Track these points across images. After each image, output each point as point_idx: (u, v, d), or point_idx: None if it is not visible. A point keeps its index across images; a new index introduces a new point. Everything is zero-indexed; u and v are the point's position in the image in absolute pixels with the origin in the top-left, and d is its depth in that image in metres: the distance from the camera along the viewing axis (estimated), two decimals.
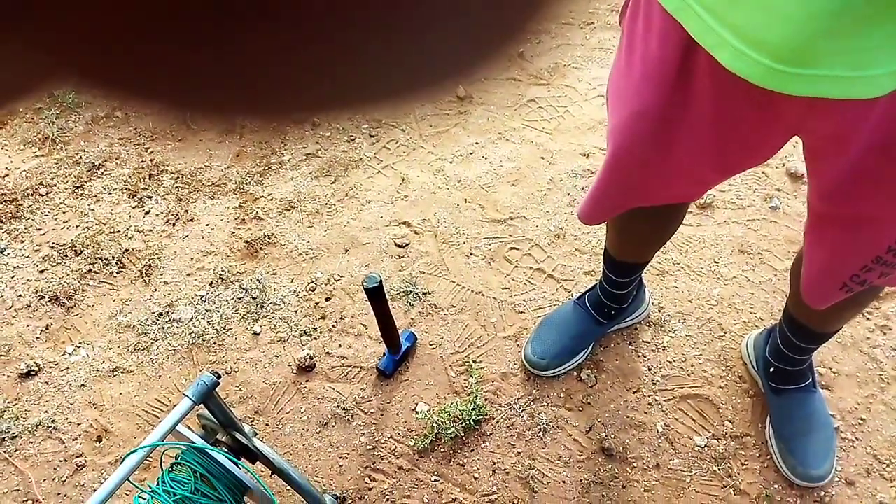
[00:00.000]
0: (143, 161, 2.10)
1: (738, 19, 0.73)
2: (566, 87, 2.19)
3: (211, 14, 0.13)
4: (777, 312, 1.62)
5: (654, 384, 1.54)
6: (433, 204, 1.93)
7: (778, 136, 0.91)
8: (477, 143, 2.07)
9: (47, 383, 1.64)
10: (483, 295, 1.73)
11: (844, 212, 0.92)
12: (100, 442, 1.54)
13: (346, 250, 1.85)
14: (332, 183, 2.01)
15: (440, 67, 0.17)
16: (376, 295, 1.37)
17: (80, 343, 1.71)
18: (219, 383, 1.13)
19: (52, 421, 1.57)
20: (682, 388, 1.53)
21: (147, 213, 1.97)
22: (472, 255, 1.81)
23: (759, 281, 1.70)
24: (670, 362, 1.57)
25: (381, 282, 1.36)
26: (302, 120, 0.18)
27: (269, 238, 1.89)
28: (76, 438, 1.54)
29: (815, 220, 1.00)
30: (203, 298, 1.77)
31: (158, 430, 1.06)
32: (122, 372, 1.65)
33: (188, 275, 1.83)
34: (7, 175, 2.08)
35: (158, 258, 1.87)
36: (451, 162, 2.03)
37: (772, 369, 1.43)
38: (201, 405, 1.14)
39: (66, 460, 1.51)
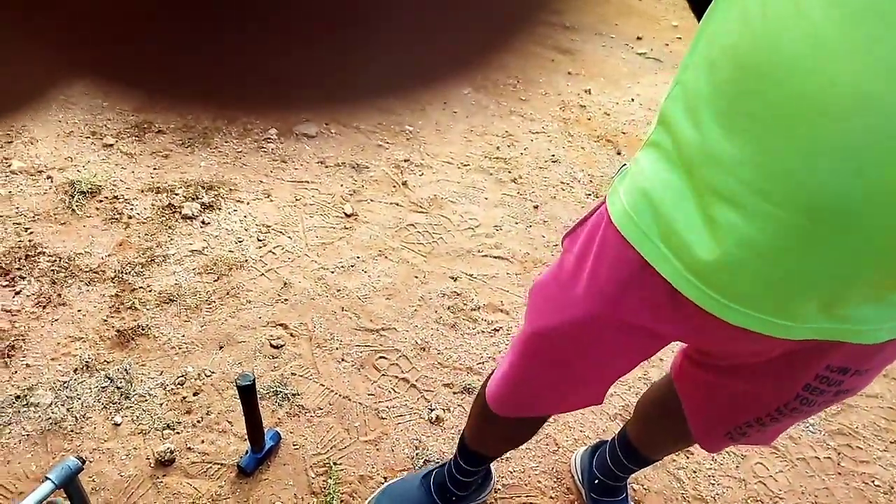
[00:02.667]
0: (20, 240, 2.09)
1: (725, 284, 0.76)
2: (442, 217, 2.46)
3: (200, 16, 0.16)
4: (602, 432, 1.87)
5: (496, 492, 1.70)
6: (311, 309, 2.06)
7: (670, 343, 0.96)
8: (358, 257, 2.26)
9: None
10: (350, 399, 1.85)
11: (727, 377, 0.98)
12: None
13: (221, 347, 1.92)
14: (215, 280, 2.09)
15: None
16: (248, 393, 1.47)
17: None
18: (83, 468, 1.17)
19: None
20: (519, 496, 1.71)
21: (17, 293, 1.95)
22: (343, 360, 1.94)
23: None
24: (511, 472, 1.75)
25: (254, 381, 1.46)
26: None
27: (143, 329, 1.92)
28: None
29: (689, 365, 1.06)
30: (65, 385, 1.76)
31: None
32: None
33: (52, 359, 1.81)
34: None
35: (23, 340, 1.84)
36: (332, 272, 2.19)
37: (596, 481, 1.65)
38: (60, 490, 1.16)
39: None
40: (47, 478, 1.12)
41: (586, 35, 3.69)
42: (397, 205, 2.49)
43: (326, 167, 2.61)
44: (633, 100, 3.22)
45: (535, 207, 2.53)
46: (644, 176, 0.81)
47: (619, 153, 2.85)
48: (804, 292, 0.72)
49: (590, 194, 2.62)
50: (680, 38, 3.77)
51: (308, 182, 2.53)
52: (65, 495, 1.19)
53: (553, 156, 2.81)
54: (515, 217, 2.49)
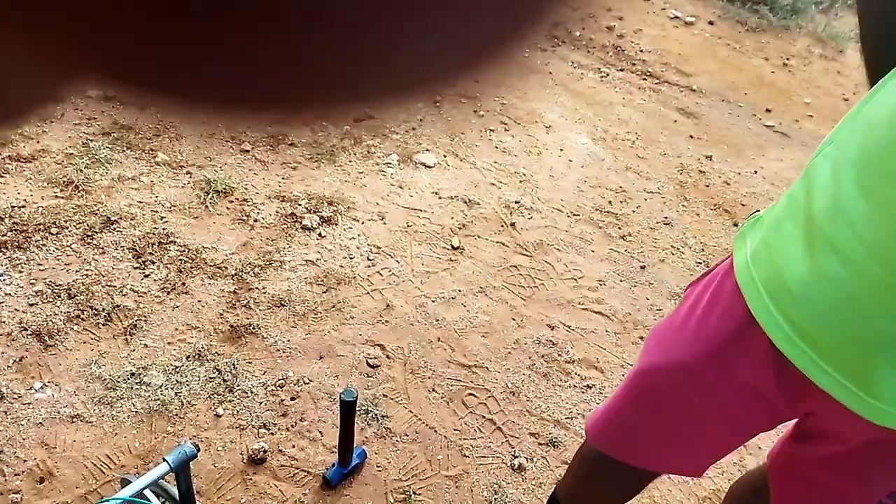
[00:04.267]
0: (155, 227, 2.25)
1: (814, 333, 0.78)
2: (546, 263, 2.46)
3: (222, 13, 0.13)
4: None
5: None
6: (409, 335, 2.10)
7: (776, 421, 0.96)
8: (460, 290, 2.29)
9: (5, 413, 1.67)
10: (436, 431, 1.87)
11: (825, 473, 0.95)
12: (41, 483, 1.56)
13: (321, 357, 1.99)
14: (324, 292, 2.18)
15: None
16: (349, 408, 1.51)
17: (48, 382, 1.76)
18: (197, 456, 1.23)
19: (0, 451, 1.59)
20: None
21: (146, 276, 2.10)
22: (433, 390, 1.97)
23: None
24: None
25: (356, 397, 1.50)
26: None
27: (254, 328, 2.02)
28: (18, 474, 1.57)
29: (786, 452, 1.04)
30: (177, 369, 1.87)
31: (133, 487, 1.15)
32: (81, 420, 1.70)
33: (169, 343, 1.93)
34: (24, 207, 2.20)
35: (145, 321, 1.97)
36: (433, 301, 2.23)
37: None
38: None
39: (1, 493, 1.53)
40: (165, 460, 1.20)
41: (713, 100, 3.62)
42: (503, 244, 2.51)
43: (440, 198, 2.67)
44: (756, 172, 3.12)
45: (642, 267, 2.49)
46: (769, 226, 0.84)
47: (735, 224, 2.76)
48: (889, 362, 0.72)
49: (700, 262, 2.55)
50: (811, 115, 3.64)
51: (421, 210, 2.60)
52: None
53: (666, 218, 2.77)
54: (621, 274, 2.45)
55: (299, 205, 2.49)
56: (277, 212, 2.45)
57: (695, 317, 0.93)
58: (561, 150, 3.10)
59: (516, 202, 2.73)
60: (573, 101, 3.50)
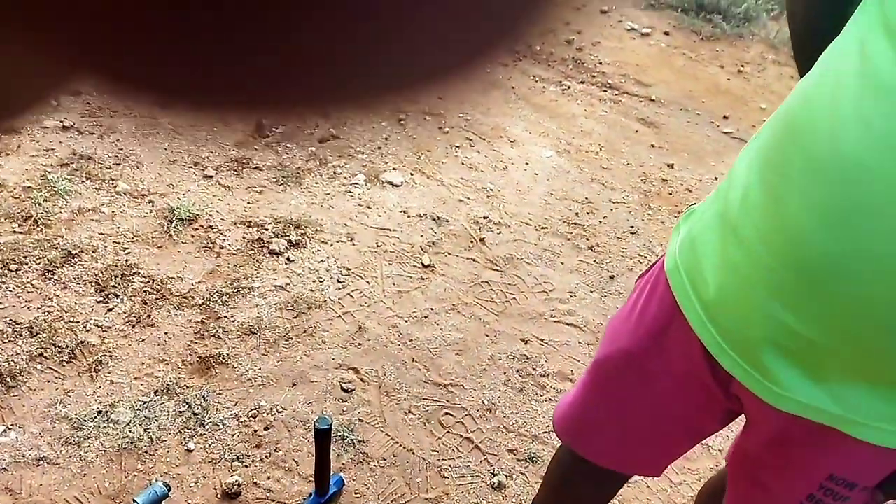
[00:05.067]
0: (118, 259, 2.21)
1: (722, 320, 0.82)
2: (517, 277, 2.47)
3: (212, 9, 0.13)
4: None
5: None
6: (383, 356, 2.09)
7: (719, 412, 0.98)
8: (432, 309, 2.29)
9: None
10: (413, 453, 1.85)
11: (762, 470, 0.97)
12: None
13: (294, 384, 1.96)
14: (295, 318, 2.15)
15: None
16: (324, 437, 1.49)
17: (11, 424, 1.71)
18: (168, 496, 1.20)
19: None
20: None
21: (110, 310, 2.05)
22: (410, 412, 1.95)
23: None
24: None
25: (331, 425, 1.48)
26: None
27: (223, 358, 1.98)
28: None
29: (737, 451, 1.06)
30: (145, 405, 1.82)
31: None
32: (47, 463, 1.65)
33: (136, 378, 1.89)
34: None
35: (110, 356, 1.92)
36: (406, 321, 2.22)
37: None
38: None
39: None
40: (135, 501, 1.16)
41: (672, 109, 3.70)
42: (473, 261, 2.52)
43: (408, 217, 2.67)
44: (716, 178, 3.19)
45: (611, 278, 2.51)
46: (697, 217, 0.90)
47: None
48: (779, 346, 0.76)
49: None
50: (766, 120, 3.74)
51: (390, 230, 2.59)
52: None
53: (632, 227, 2.80)
54: (590, 285, 2.48)
55: (266, 229, 2.46)
56: (244, 237, 2.42)
57: (638, 306, 0.98)
58: (526, 163, 3.13)
59: (485, 217, 2.74)
60: (536, 115, 3.54)
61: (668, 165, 3.21)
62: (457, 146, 3.17)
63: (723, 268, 0.80)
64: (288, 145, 2.94)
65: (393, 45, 0.15)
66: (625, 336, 0.99)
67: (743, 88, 4.02)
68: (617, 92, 3.81)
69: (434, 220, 2.68)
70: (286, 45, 0.15)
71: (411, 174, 2.92)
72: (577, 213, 2.82)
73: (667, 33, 4.48)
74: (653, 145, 3.35)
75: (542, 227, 2.72)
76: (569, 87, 3.79)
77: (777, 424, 0.86)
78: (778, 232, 0.73)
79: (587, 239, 2.70)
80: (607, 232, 2.75)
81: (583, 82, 3.88)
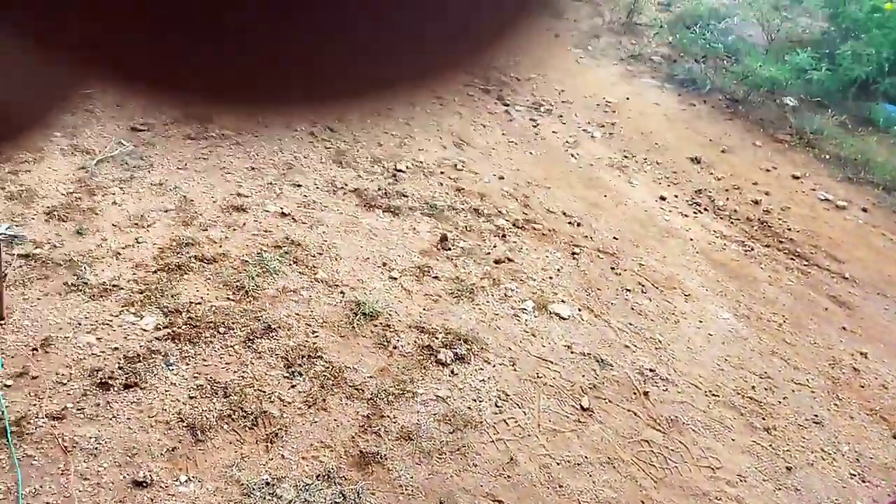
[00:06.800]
0: (307, 340, 2.41)
1: None
2: (680, 444, 2.36)
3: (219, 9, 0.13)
4: None
5: None
6: (531, 497, 2.06)
7: None
8: (586, 457, 2.24)
9: (151, 500, 1.78)
10: None
11: None
12: None
13: (441, 503, 1.98)
14: (451, 433, 2.20)
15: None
16: None
17: (193, 476, 1.87)
18: None
19: None
20: None
21: (293, 386, 2.22)
22: None
23: None
24: None
25: None
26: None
27: (381, 458, 2.06)
28: None
29: None
30: (307, 487, 1.92)
31: None
32: None
33: (303, 458, 2.01)
34: (200, 304, 2.44)
35: (286, 431, 2.07)
36: (558, 463, 2.19)
37: None
38: None
39: None
40: None
41: (868, 291, 3.45)
42: (635, 414, 2.45)
43: (572, 353, 2.67)
44: None
45: (789, 469, 2.32)
46: None
47: (895, 436, 2.54)
48: None
49: (855, 474, 2.34)
50: None
51: (552, 362, 2.60)
52: None
53: (816, 416, 2.59)
54: (764, 473, 2.29)
55: (436, 338, 2.58)
56: (416, 342, 2.54)
57: None
58: (700, 321, 3.04)
59: (651, 370, 2.67)
60: (715, 272, 3.46)
61: (861, 354, 2.96)
62: (628, 289, 3.16)
63: None
64: (467, 261, 3.10)
65: None
66: None
67: None
68: (806, 263, 3.64)
69: (598, 361, 2.66)
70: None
71: (579, 310, 2.94)
72: (753, 387, 2.67)
73: (865, 210, 4.26)
74: (844, 328, 3.13)
75: (713, 395, 2.60)
76: (752, 249, 3.69)
77: None
78: None
79: (763, 418, 2.53)
80: (787, 415, 2.57)
81: (768, 246, 3.76)
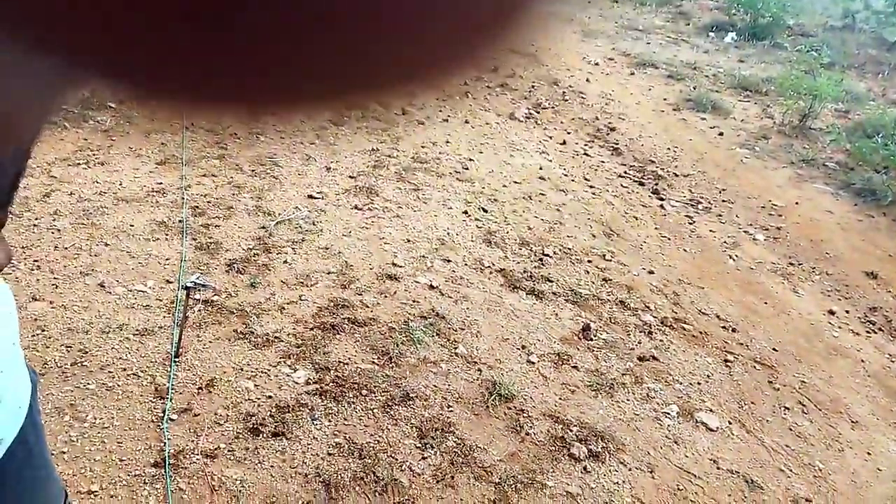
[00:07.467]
0: (441, 413, 2.45)
1: None
2: None
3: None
4: None
5: None
6: None
7: None
8: None
9: None
10: None
11: None
12: None
13: None
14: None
15: None
16: None
17: None
18: None
19: None
20: None
21: (424, 458, 2.25)
22: None
23: None
24: None
25: None
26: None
27: None
28: None
29: None
30: None
31: None
32: None
33: None
34: (347, 364, 2.58)
35: (412, 503, 2.09)
36: None
37: None
38: None
39: None
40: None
41: None
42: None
43: (718, 469, 2.48)
44: None
45: None
46: None
47: None
48: None
49: None
50: None
51: (695, 476, 2.43)
52: None
53: None
54: None
55: (571, 430, 2.51)
56: (549, 431, 2.49)
57: None
58: (868, 453, 2.71)
59: (807, 500, 2.40)
60: (888, 400, 3.09)
61: None
62: (786, 407, 2.90)
63: None
64: (608, 354, 3.02)
65: None
66: None
67: None
68: None
69: (747, 482, 2.44)
70: None
71: (729, 423, 2.74)
72: None
73: None
74: None
75: None
76: None
77: None
78: None
79: None
80: None
81: None
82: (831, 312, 3.79)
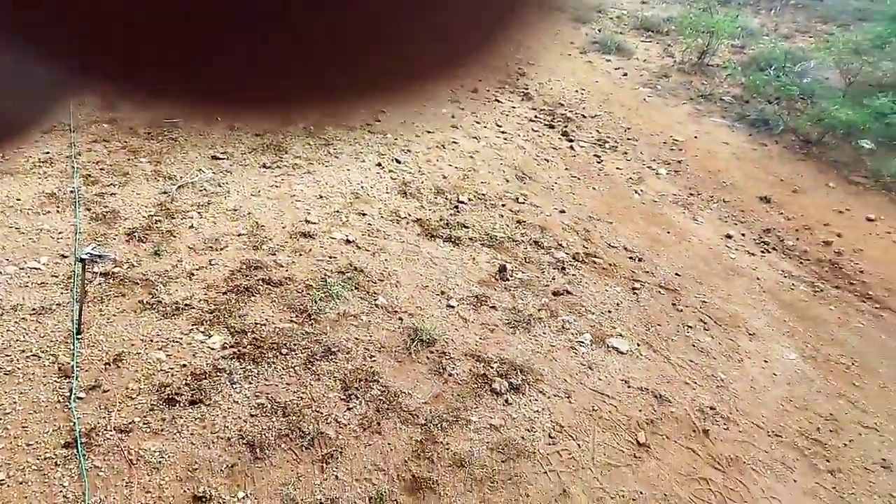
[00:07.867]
0: (364, 364, 2.47)
1: None
2: (740, 484, 2.27)
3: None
4: None
5: None
6: None
7: None
8: (641, 493, 2.19)
9: None
10: None
11: None
12: None
13: None
14: (503, 462, 2.19)
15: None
16: None
17: (250, 493, 1.93)
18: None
19: None
20: None
21: (350, 409, 2.27)
22: None
23: None
24: None
25: None
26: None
27: (432, 483, 2.07)
28: None
29: None
30: None
31: None
32: None
33: (356, 480, 2.04)
34: (265, 325, 2.54)
35: (340, 453, 2.11)
36: (612, 498, 2.15)
37: None
38: None
39: None
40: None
41: None
42: (693, 452, 2.38)
43: (629, 387, 2.63)
44: None
45: None
46: None
47: None
48: None
49: None
50: None
51: (608, 396, 2.57)
52: None
53: (884, 460, 2.46)
54: None
55: (491, 367, 2.59)
56: (471, 370, 2.56)
57: None
58: (765, 361, 2.94)
59: (711, 408, 2.60)
60: (782, 312, 3.35)
61: None
62: (689, 326, 3.10)
63: None
64: (525, 292, 3.12)
65: None
66: None
67: None
68: (878, 305, 3.48)
69: (656, 397, 2.60)
70: None
71: (638, 345, 2.90)
72: (818, 429, 2.55)
73: None
74: None
75: (776, 435, 2.50)
76: (822, 290, 3.56)
77: None
78: None
79: (828, 461, 2.41)
80: (853, 458, 2.44)
81: (839, 287, 3.62)
82: (728, 236, 4.04)
